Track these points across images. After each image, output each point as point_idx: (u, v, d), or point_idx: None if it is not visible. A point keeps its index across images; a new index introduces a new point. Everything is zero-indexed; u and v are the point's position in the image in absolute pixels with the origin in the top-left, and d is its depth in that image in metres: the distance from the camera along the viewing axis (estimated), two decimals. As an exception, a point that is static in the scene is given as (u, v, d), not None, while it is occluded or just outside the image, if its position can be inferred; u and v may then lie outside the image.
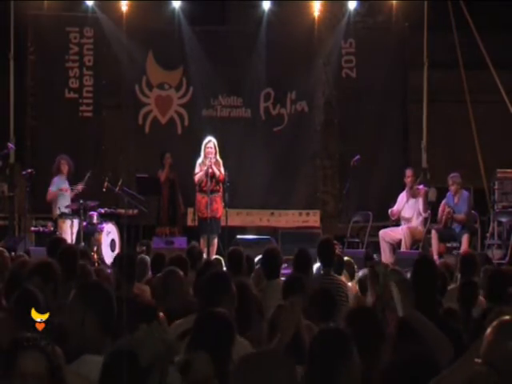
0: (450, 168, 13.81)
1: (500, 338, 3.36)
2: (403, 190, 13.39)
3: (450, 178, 13.13)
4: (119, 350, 3.42)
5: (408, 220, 13.16)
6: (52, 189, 13.18)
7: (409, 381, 3.28)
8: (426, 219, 13.12)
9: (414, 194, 13.22)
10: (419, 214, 13.15)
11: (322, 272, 7.61)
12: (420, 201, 13.13)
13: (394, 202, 13.44)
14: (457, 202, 13.04)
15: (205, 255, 11.78)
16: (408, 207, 13.22)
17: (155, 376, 3.52)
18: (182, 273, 6.48)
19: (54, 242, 8.17)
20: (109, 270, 9.39)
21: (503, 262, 12.73)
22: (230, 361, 3.92)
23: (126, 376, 3.24)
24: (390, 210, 13.31)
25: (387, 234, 13.13)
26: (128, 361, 3.29)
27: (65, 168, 13.25)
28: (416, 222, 13.12)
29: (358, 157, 13.87)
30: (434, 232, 12.92)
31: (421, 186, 13.24)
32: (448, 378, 3.25)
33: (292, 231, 14.37)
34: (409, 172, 13.36)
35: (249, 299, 5.51)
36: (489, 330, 3.39)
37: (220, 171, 12.90)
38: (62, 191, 13.11)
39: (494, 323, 3.43)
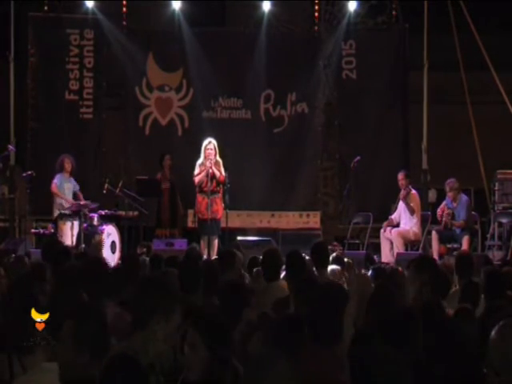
0: (451, 169, 13.81)
1: (501, 339, 3.36)
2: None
3: (447, 184, 13.06)
4: (119, 355, 3.39)
5: (404, 223, 13.15)
6: (56, 182, 13.19)
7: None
8: (421, 221, 13.10)
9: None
10: (411, 216, 13.13)
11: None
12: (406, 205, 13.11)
13: (395, 203, 13.43)
14: (455, 206, 13.02)
15: (205, 256, 11.81)
16: (402, 211, 13.21)
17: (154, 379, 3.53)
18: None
19: (49, 244, 8.18)
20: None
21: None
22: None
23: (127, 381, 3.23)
24: (389, 218, 13.25)
25: (387, 231, 13.10)
26: (129, 365, 3.28)
27: (68, 166, 13.29)
28: (409, 225, 13.08)
29: (358, 158, 13.86)
30: (434, 233, 12.92)
31: (403, 190, 13.16)
32: None
33: (292, 232, 14.36)
34: (400, 175, 13.26)
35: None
36: (493, 332, 3.39)
37: (220, 172, 12.88)
38: (63, 197, 13.15)
39: (498, 324, 3.42)
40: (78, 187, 13.43)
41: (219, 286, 5.95)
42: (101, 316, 4.03)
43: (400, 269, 7.64)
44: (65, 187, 13.31)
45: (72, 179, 13.43)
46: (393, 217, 13.22)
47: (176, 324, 4.26)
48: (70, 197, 13.29)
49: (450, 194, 13.03)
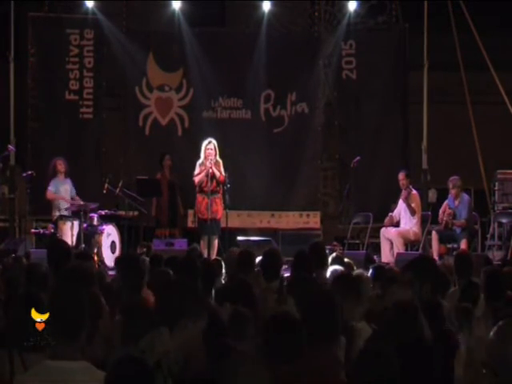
0: (451, 169, 13.81)
1: (500, 340, 3.36)
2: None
3: (450, 181, 13.11)
4: (124, 357, 3.42)
5: (404, 223, 13.13)
6: (51, 189, 13.20)
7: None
8: (421, 221, 13.08)
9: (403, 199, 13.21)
10: (411, 216, 13.11)
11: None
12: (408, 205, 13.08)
13: (395, 203, 13.43)
14: (457, 205, 13.03)
15: (205, 256, 11.81)
16: (402, 210, 13.21)
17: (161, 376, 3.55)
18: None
19: (54, 243, 8.18)
20: (110, 272, 9.43)
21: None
22: None
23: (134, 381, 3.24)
24: (389, 215, 13.24)
25: (387, 231, 13.09)
26: (135, 367, 3.29)
27: (62, 167, 13.27)
28: (409, 225, 13.07)
29: (358, 158, 13.87)
30: (434, 233, 12.93)
31: (404, 191, 13.12)
32: None
33: (292, 232, 14.37)
34: (401, 175, 13.24)
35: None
36: (492, 332, 3.39)
37: (220, 172, 12.89)
38: (60, 199, 13.15)
39: (498, 325, 3.42)
40: (74, 191, 13.39)
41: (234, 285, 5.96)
42: (149, 312, 4.07)
43: (396, 269, 7.63)
44: (61, 190, 13.29)
45: (69, 180, 13.40)
46: (393, 214, 13.21)
47: (201, 327, 4.29)
48: (68, 198, 13.27)
49: (452, 192, 13.05)
